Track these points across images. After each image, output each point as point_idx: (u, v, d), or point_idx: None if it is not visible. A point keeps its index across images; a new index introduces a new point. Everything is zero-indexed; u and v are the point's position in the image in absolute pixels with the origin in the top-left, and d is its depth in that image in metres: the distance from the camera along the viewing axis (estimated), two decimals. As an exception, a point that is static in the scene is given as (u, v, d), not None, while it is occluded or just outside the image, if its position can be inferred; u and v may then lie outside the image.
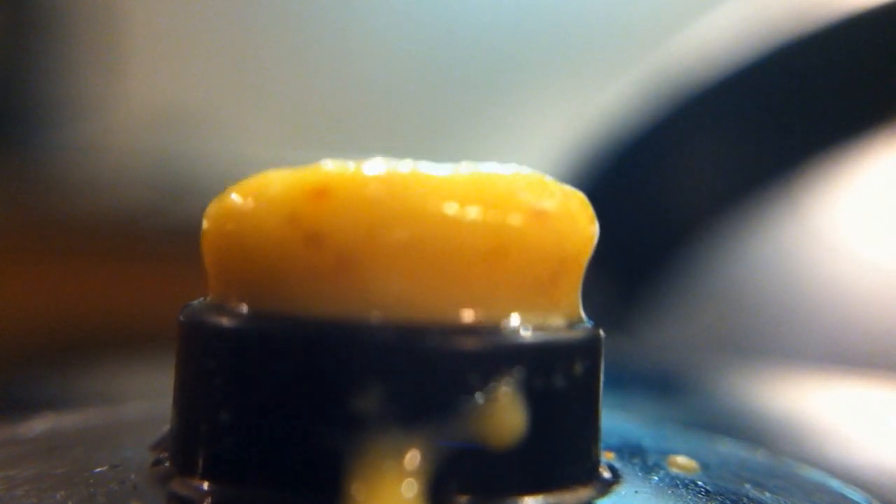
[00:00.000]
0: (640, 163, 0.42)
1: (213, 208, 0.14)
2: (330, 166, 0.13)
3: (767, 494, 0.15)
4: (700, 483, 0.15)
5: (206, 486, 0.13)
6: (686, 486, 0.15)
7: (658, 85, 0.41)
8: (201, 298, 0.14)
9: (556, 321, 0.14)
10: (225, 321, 0.13)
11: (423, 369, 0.12)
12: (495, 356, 0.13)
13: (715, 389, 0.29)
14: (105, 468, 0.14)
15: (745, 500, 0.14)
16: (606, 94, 0.44)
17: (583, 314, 0.14)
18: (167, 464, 0.14)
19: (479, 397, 0.12)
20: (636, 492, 0.14)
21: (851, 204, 0.38)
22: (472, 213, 0.13)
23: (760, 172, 0.40)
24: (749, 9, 0.41)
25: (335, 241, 0.13)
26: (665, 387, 0.27)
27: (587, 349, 0.14)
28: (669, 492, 0.15)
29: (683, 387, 0.28)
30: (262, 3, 1.07)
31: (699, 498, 0.14)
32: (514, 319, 0.13)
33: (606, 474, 0.14)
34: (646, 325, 0.39)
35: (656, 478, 0.15)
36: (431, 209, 0.13)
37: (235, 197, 0.14)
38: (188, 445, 0.13)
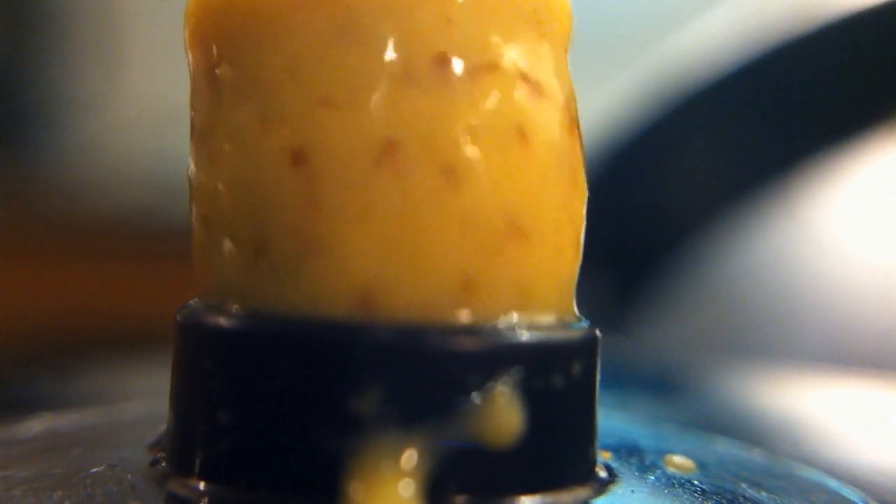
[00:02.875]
0: (637, 163, 0.42)
1: None
2: None
3: (764, 494, 0.15)
4: (697, 482, 0.15)
5: (203, 486, 0.13)
6: (683, 485, 0.15)
7: (656, 85, 0.41)
8: (198, 298, 0.14)
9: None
10: (222, 321, 0.13)
11: (420, 369, 0.12)
12: (493, 356, 0.13)
13: (712, 389, 0.29)
14: (102, 468, 0.14)
15: (741, 499, 0.14)
16: (604, 94, 0.44)
17: (577, 313, 0.14)
18: (164, 464, 0.14)
19: (476, 397, 0.12)
20: (633, 491, 0.14)
21: (849, 204, 0.38)
22: None
23: (758, 172, 0.40)
24: (746, 9, 0.41)
25: None
26: (662, 386, 0.27)
27: (584, 349, 0.14)
28: (666, 491, 0.15)
29: (680, 386, 0.28)
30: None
31: (696, 497, 0.14)
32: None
33: (603, 474, 0.14)
34: (643, 324, 0.39)
35: (653, 477, 0.15)
36: None
37: None
38: (185, 445, 0.13)
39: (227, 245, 0.13)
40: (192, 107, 0.14)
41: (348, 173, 0.13)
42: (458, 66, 0.13)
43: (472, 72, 0.13)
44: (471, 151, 0.13)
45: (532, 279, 0.13)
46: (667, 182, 0.42)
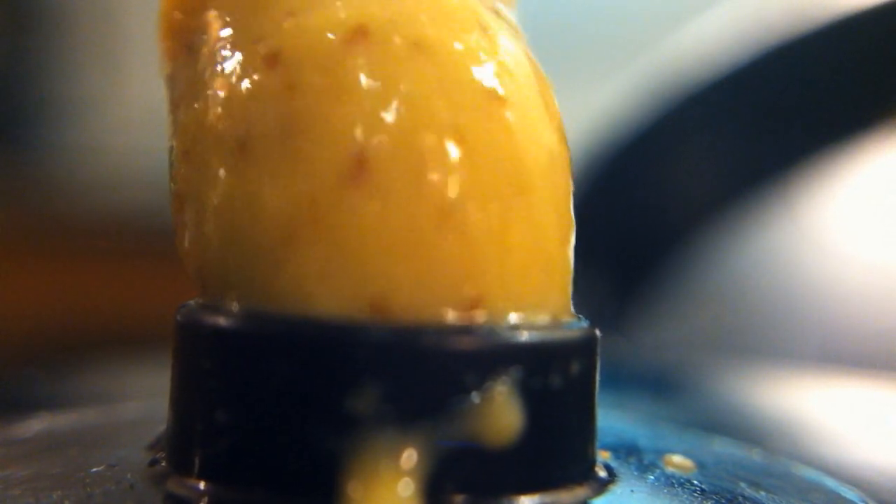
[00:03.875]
0: (635, 163, 0.42)
1: None
2: None
3: (763, 493, 0.15)
4: (696, 482, 0.15)
5: (202, 485, 0.13)
6: (682, 485, 0.15)
7: (654, 85, 0.41)
8: (197, 298, 0.14)
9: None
10: (221, 321, 0.13)
11: (419, 369, 0.12)
12: (492, 355, 0.13)
13: (711, 389, 0.29)
14: (101, 468, 0.14)
15: (740, 499, 0.14)
16: (602, 95, 0.44)
17: (573, 311, 0.14)
18: (164, 464, 0.14)
19: (475, 397, 0.12)
20: (632, 491, 0.14)
21: (847, 204, 0.38)
22: None
23: (756, 172, 0.40)
24: (745, 9, 0.41)
25: None
26: (661, 386, 0.27)
27: (583, 348, 0.14)
28: (665, 491, 0.15)
29: (679, 386, 0.28)
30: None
31: (695, 497, 0.14)
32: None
33: (602, 473, 0.14)
34: (642, 324, 0.39)
35: (652, 477, 0.15)
36: None
37: None
38: (185, 445, 0.14)
39: (210, 155, 0.14)
40: (170, 86, 0.15)
41: (322, 59, 0.13)
42: None
43: None
44: (438, 31, 0.13)
45: (522, 148, 0.13)
46: (666, 182, 0.42)
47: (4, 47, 0.96)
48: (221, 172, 0.13)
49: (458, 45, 0.13)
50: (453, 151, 0.13)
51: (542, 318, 0.13)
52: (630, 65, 0.45)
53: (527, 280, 0.13)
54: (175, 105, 0.15)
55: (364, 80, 0.13)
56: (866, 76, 0.40)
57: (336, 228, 0.13)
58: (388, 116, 0.13)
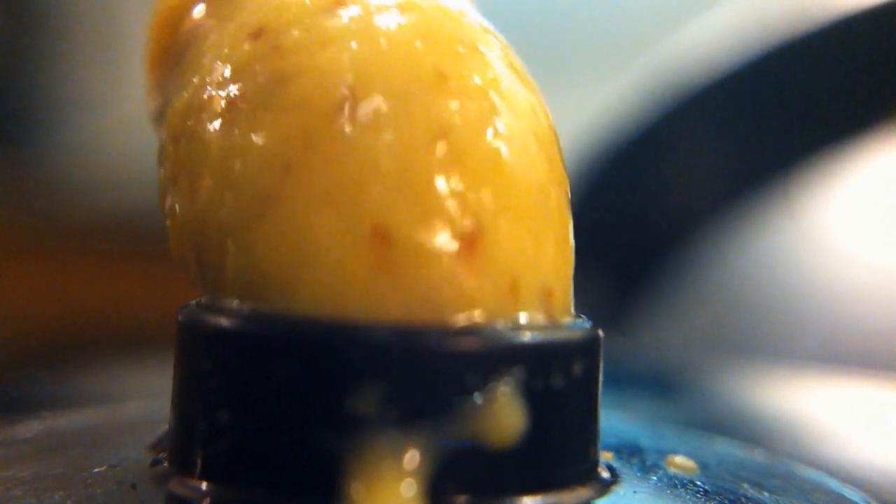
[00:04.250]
0: (635, 163, 0.42)
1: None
2: None
3: (766, 494, 0.15)
4: (698, 483, 0.15)
5: (204, 486, 0.13)
6: (684, 485, 0.15)
7: (654, 86, 0.41)
8: (199, 298, 0.14)
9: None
10: (223, 321, 0.13)
11: (421, 369, 0.12)
12: (494, 356, 0.13)
13: (713, 389, 0.29)
14: (103, 468, 0.14)
15: (743, 499, 0.14)
16: (602, 95, 0.44)
17: (573, 311, 0.14)
18: (165, 464, 0.14)
19: (477, 397, 0.12)
20: (635, 492, 0.14)
21: (847, 204, 0.38)
22: None
23: (757, 173, 0.40)
24: (744, 9, 0.41)
25: None
26: (663, 387, 0.27)
27: (586, 349, 0.14)
28: (668, 492, 0.15)
29: (681, 387, 0.28)
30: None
31: (697, 498, 0.14)
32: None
33: (605, 474, 0.14)
34: (644, 324, 0.39)
35: (655, 478, 0.15)
36: None
37: None
38: (186, 445, 0.13)
39: (201, 125, 0.14)
40: (158, 120, 0.16)
41: (304, 22, 0.14)
42: None
43: None
44: None
45: (501, 83, 0.14)
46: (666, 182, 0.42)
47: (4, 47, 0.96)
48: (214, 130, 0.14)
49: (434, 4, 0.14)
50: (436, 84, 0.13)
51: (546, 304, 0.13)
52: (630, 65, 0.45)
53: (524, 214, 0.13)
54: (163, 109, 0.15)
55: (346, 29, 0.14)
56: (866, 76, 0.40)
57: (330, 155, 0.13)
58: (373, 57, 0.13)
